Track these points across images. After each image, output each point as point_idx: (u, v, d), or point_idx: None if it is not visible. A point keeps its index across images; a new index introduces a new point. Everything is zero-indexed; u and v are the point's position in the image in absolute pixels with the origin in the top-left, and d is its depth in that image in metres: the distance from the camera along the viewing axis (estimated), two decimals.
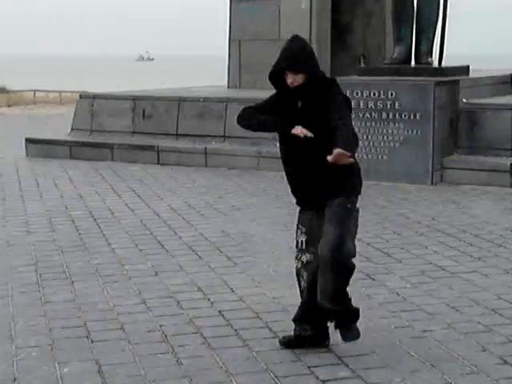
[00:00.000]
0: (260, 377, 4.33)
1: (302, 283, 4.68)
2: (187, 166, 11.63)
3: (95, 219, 8.26)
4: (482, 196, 9.37)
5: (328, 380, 4.28)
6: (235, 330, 5.02)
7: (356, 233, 4.58)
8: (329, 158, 4.17)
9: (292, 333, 4.71)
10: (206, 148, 11.82)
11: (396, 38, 11.53)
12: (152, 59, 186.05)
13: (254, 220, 8.17)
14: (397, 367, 4.43)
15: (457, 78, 10.92)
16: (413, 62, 11.53)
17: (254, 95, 12.47)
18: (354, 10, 15.50)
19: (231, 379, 4.29)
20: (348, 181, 4.49)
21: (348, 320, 4.56)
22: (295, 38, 4.55)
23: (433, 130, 10.00)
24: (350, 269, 4.50)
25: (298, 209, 4.73)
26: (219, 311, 5.39)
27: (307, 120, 4.40)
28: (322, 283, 4.46)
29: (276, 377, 4.32)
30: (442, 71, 11.06)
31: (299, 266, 4.65)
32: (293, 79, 4.45)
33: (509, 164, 9.91)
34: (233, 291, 5.83)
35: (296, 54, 4.46)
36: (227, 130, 12.05)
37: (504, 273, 6.29)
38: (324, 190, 4.47)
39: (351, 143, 4.31)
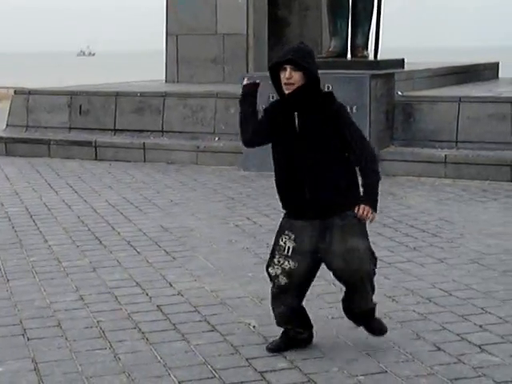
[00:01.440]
0: (199, 370, 4.33)
1: (275, 288, 4.48)
2: (125, 162, 11.57)
3: (31, 216, 8.17)
4: (417, 187, 9.51)
5: (266, 371, 4.30)
6: (173, 325, 5.01)
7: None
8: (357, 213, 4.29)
9: (277, 337, 4.59)
10: (144, 143, 11.76)
11: (332, 31, 11.63)
12: (93, 54, 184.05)
13: (193, 214, 8.17)
14: (334, 357, 4.48)
15: (392, 70, 11.05)
16: (349, 56, 11.65)
17: (191, 89, 12.49)
18: (290, 4, 15.56)
19: (169, 373, 4.29)
20: (353, 193, 4.38)
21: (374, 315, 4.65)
22: (301, 42, 4.44)
23: (369, 123, 10.10)
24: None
25: (285, 214, 4.46)
26: (157, 306, 5.38)
27: (307, 139, 4.26)
28: (361, 294, 4.51)
29: (214, 369, 4.33)
30: (377, 64, 11.19)
31: (278, 272, 4.41)
32: (290, 75, 4.23)
33: (444, 155, 10.07)
34: (171, 285, 5.83)
35: (300, 50, 4.27)
36: (165, 124, 12.02)
37: (439, 262, 6.39)
38: (329, 202, 4.32)
39: (377, 199, 4.39)
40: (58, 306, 5.37)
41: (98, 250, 6.86)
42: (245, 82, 4.55)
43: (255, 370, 4.33)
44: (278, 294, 4.49)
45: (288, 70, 4.24)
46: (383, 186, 9.37)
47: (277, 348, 4.53)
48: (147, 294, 5.63)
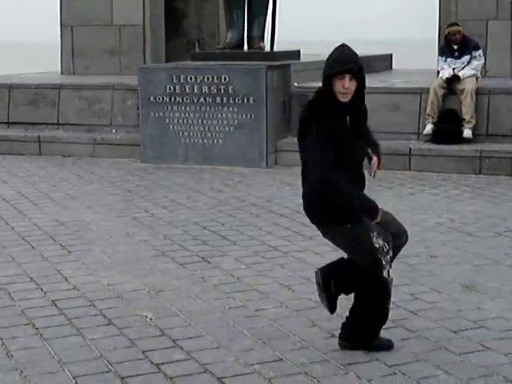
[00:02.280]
0: (94, 364, 4.29)
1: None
2: (20, 155, 11.31)
3: None
4: None
5: (162, 363, 4.30)
6: (69, 319, 4.95)
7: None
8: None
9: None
10: (39, 136, 11.53)
11: (228, 23, 11.66)
12: None
13: (90, 208, 8.06)
14: (230, 347, 4.51)
15: (288, 62, 11.15)
16: (245, 47, 11.70)
17: (87, 81, 12.30)
18: None
19: (64, 369, 4.24)
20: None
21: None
22: (346, 45, 4.37)
23: (266, 114, 10.18)
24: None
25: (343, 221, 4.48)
26: (52, 301, 5.29)
27: (356, 137, 4.39)
28: None
29: (110, 363, 4.30)
30: (273, 56, 11.26)
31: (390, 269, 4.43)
32: (348, 84, 4.20)
33: None
34: (67, 280, 5.75)
35: (356, 58, 4.26)
36: (61, 117, 11.81)
37: (334, 250, 6.42)
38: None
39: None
40: None
41: None
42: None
43: (151, 362, 4.32)
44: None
45: (347, 79, 4.20)
46: (281, 177, 9.56)
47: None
48: (42, 290, 5.54)
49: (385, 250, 4.35)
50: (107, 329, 4.79)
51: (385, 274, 4.36)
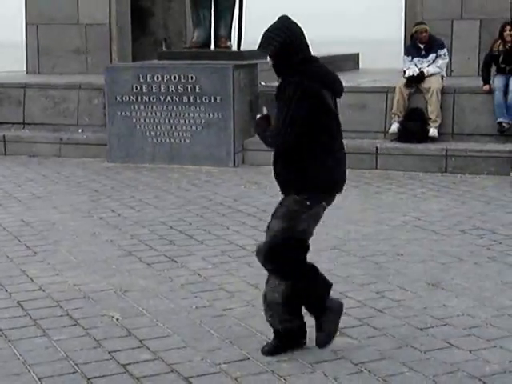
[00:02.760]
0: (60, 365, 4.27)
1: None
2: None
3: None
4: None
5: (129, 364, 4.28)
6: (34, 320, 4.91)
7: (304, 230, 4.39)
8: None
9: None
10: (4, 135, 11.42)
11: (195, 22, 11.63)
12: None
13: (56, 208, 8.01)
14: (197, 346, 4.50)
15: (255, 61, 11.14)
16: (212, 46, 11.68)
17: (53, 80, 12.22)
18: None
19: (29, 370, 4.21)
20: (301, 179, 4.35)
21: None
22: (279, 18, 4.38)
23: (233, 113, 10.17)
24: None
25: (315, 201, 4.43)
26: (17, 302, 5.25)
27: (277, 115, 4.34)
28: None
29: (76, 364, 4.27)
30: (240, 55, 11.25)
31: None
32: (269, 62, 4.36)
33: None
34: (32, 280, 5.70)
35: (267, 36, 4.29)
36: (26, 116, 11.72)
37: None
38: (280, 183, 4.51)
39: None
40: None
41: None
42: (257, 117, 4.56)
43: (118, 362, 4.30)
44: None
45: (268, 58, 4.32)
46: (248, 176, 9.56)
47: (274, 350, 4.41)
48: (6, 290, 5.49)
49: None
50: (73, 329, 4.76)
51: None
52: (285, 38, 4.23)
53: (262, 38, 4.30)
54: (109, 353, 4.41)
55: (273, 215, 4.46)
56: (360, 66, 16.05)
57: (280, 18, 4.35)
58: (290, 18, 4.36)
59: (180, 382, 4.08)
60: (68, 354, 4.40)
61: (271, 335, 4.62)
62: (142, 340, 4.59)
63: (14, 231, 7.08)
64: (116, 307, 5.12)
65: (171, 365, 4.25)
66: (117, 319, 4.92)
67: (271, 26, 4.31)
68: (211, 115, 10.21)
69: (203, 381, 4.10)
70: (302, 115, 4.18)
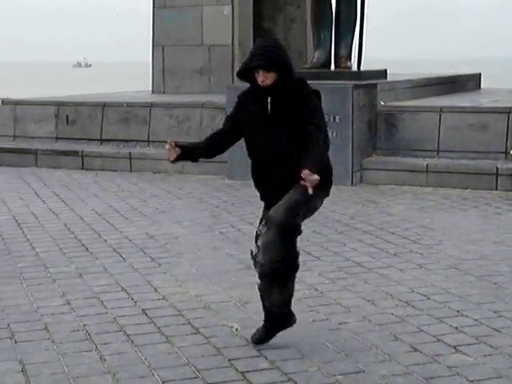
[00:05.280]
0: (182, 370, 4.46)
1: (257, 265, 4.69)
2: (112, 171, 11.69)
3: (19, 224, 8.28)
4: (399, 195, 9.68)
5: (247, 371, 4.44)
6: (158, 328, 5.14)
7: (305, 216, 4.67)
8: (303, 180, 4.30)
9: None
10: (130, 153, 11.89)
11: (316, 42, 11.81)
12: (90, 65, 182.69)
13: (178, 222, 8.30)
14: (313, 358, 4.61)
15: (375, 81, 11.23)
16: (332, 66, 11.82)
17: (177, 100, 12.63)
18: (275, 16, 15.76)
19: (153, 373, 4.42)
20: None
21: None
22: (266, 38, 4.58)
23: (352, 133, 10.27)
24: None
25: (263, 204, 4.76)
26: (143, 310, 5.50)
27: (276, 115, 4.47)
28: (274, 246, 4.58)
29: (197, 370, 4.46)
30: (360, 75, 11.35)
31: (256, 250, 4.70)
32: (264, 77, 4.42)
33: (425, 164, 10.24)
34: (156, 290, 5.95)
35: (267, 51, 4.41)
36: (151, 134, 12.15)
37: (418, 267, 6.55)
38: (287, 188, 4.52)
39: (319, 161, 4.41)
40: (45, 311, 5.49)
41: (84, 256, 6.98)
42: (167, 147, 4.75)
43: (237, 370, 4.46)
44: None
45: (261, 73, 4.42)
46: (366, 194, 9.63)
47: (259, 340, 4.71)
48: (132, 299, 5.76)
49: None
50: (195, 337, 4.96)
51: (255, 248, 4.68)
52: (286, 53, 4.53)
53: (269, 55, 4.39)
54: (228, 360, 4.58)
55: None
56: (482, 85, 15.89)
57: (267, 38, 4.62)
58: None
59: None
60: (189, 360, 4.60)
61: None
62: (259, 350, 4.73)
63: (139, 244, 7.39)
64: (235, 318, 5.30)
65: (288, 374, 4.38)
66: (236, 329, 5.09)
67: (263, 44, 4.47)
68: (330, 134, 10.26)
69: None
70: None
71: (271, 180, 4.58)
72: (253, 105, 4.55)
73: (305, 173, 4.26)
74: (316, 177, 4.28)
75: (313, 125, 4.44)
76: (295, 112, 4.44)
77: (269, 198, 4.64)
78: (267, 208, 4.65)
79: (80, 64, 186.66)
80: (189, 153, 4.81)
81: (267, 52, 4.39)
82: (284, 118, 4.46)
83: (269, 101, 4.48)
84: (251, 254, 4.74)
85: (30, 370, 4.47)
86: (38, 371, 4.46)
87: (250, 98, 4.59)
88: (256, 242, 4.71)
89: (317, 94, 4.60)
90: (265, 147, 4.52)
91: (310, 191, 4.31)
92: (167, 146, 4.71)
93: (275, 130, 4.49)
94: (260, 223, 4.72)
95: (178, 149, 4.71)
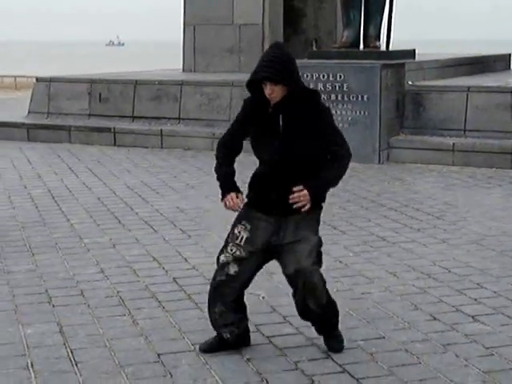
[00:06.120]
0: (211, 335, 4.67)
1: (222, 276, 4.39)
2: (143, 148, 11.94)
3: (54, 197, 8.55)
4: (425, 174, 9.83)
5: (273, 336, 4.65)
6: (188, 295, 5.37)
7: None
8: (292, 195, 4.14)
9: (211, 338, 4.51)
10: (161, 130, 12.12)
11: (345, 22, 11.94)
12: (123, 44, 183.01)
13: (208, 197, 8.52)
14: None
15: (403, 61, 11.34)
16: (361, 46, 11.96)
17: (208, 78, 12.84)
18: None
19: (184, 337, 4.65)
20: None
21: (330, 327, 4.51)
22: (275, 46, 4.22)
23: (379, 111, 10.41)
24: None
25: (245, 204, 4.43)
26: (173, 278, 5.74)
27: (291, 137, 4.15)
28: (311, 291, 4.39)
29: None
30: (388, 54, 11.48)
31: (230, 259, 4.35)
32: (271, 90, 4.09)
33: (452, 143, 10.37)
34: (186, 261, 6.19)
35: (276, 62, 4.07)
36: (182, 112, 12.37)
37: (441, 242, 6.72)
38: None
39: (324, 186, 4.30)
40: (81, 278, 5.74)
41: (117, 228, 7.23)
42: (228, 202, 4.47)
43: (263, 334, 4.68)
44: (218, 288, 4.37)
45: (268, 86, 4.09)
46: (392, 172, 9.79)
47: (209, 348, 4.44)
48: (163, 268, 5.99)
49: (237, 241, 4.36)
50: None
51: (222, 257, 4.43)
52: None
53: (277, 67, 4.06)
54: (255, 326, 4.80)
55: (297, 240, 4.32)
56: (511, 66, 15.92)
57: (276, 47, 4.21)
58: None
59: (320, 355, 4.41)
60: None
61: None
62: (285, 316, 4.95)
63: (170, 217, 7.62)
64: (262, 287, 5.49)
65: (312, 339, 4.59)
66: (263, 297, 5.31)
67: (271, 55, 4.13)
68: (358, 113, 10.49)
69: (341, 355, 4.41)
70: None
71: (281, 188, 4.20)
72: (262, 118, 4.21)
73: (298, 189, 4.15)
74: (306, 200, 4.16)
75: (337, 145, 4.20)
76: (310, 128, 4.15)
77: (270, 203, 4.27)
78: (259, 210, 4.31)
79: (113, 43, 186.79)
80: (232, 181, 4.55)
81: (275, 63, 4.06)
82: (298, 134, 4.14)
83: (280, 118, 4.15)
84: (217, 260, 4.48)
85: (68, 332, 4.72)
86: (74, 333, 4.71)
87: (259, 108, 4.22)
88: (229, 244, 4.41)
89: (328, 110, 4.30)
90: (278, 158, 4.19)
91: (295, 206, 4.17)
92: (230, 203, 4.43)
93: (288, 145, 4.16)
94: (240, 225, 4.37)
95: (239, 194, 4.44)
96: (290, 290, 5.37)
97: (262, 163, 4.35)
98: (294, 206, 4.18)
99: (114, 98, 12.84)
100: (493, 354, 4.39)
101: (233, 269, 4.35)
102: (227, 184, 4.51)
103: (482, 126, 10.52)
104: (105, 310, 5.07)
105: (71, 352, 4.43)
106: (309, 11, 15.90)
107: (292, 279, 4.36)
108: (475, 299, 5.26)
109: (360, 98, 10.43)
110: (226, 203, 4.46)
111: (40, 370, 4.21)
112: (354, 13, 11.85)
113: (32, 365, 4.28)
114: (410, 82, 11.13)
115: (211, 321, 4.47)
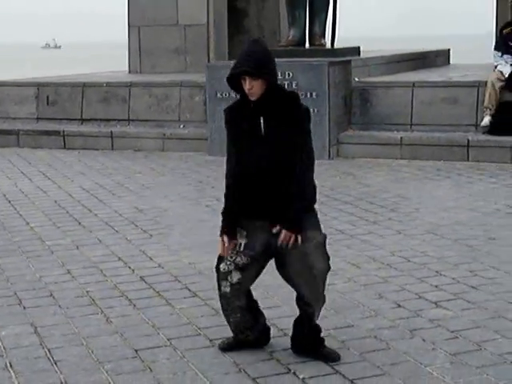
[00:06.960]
0: (184, 329, 4.80)
1: (227, 287, 4.34)
2: (94, 150, 11.94)
3: (10, 201, 8.54)
4: (375, 168, 10.05)
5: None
6: (157, 292, 5.47)
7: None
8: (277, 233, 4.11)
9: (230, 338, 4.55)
10: (111, 131, 12.14)
11: (290, 21, 12.12)
12: (59, 47, 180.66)
13: (165, 197, 8.60)
14: None
15: (349, 58, 11.57)
16: (307, 44, 12.15)
17: (156, 79, 12.89)
18: None
19: (158, 332, 4.75)
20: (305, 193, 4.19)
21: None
22: (254, 41, 4.20)
23: (328, 108, 10.60)
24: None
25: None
26: (141, 277, 5.82)
27: (271, 143, 4.11)
28: (314, 293, 4.41)
29: (199, 328, 4.79)
30: (334, 52, 11.70)
31: (231, 268, 4.28)
32: (250, 85, 4.05)
33: (399, 137, 10.62)
34: (151, 259, 6.28)
35: (255, 58, 4.05)
36: (131, 113, 12.40)
37: (397, 233, 6.93)
38: (280, 204, 4.15)
39: (301, 211, 4.14)
40: (48, 280, 5.79)
41: (78, 230, 7.28)
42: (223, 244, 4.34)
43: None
44: (231, 298, 4.35)
45: (247, 80, 4.07)
46: (343, 167, 10.00)
47: (229, 347, 4.49)
48: (130, 267, 6.07)
49: (236, 248, 4.30)
50: (193, 300, 5.30)
51: (223, 267, 4.35)
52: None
53: (256, 61, 4.05)
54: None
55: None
56: (451, 61, 16.29)
57: (255, 43, 4.20)
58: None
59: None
60: (190, 319, 4.93)
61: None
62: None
63: (130, 217, 7.69)
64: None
65: (284, 330, 4.73)
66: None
67: (249, 50, 4.11)
68: None
69: None
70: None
71: (262, 192, 4.17)
72: (244, 122, 4.19)
73: (285, 238, 4.12)
74: (291, 237, 4.11)
75: (303, 152, 4.15)
76: (290, 132, 4.12)
77: (259, 208, 4.20)
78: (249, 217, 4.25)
79: (49, 45, 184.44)
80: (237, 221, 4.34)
81: (254, 58, 4.05)
82: (278, 138, 4.12)
83: (261, 121, 4.13)
84: (217, 270, 4.42)
85: (42, 332, 4.78)
86: (49, 333, 4.77)
87: (239, 114, 4.21)
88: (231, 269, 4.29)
89: (308, 112, 4.25)
90: (257, 163, 4.15)
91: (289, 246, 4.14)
92: (222, 249, 4.34)
93: (268, 148, 4.13)
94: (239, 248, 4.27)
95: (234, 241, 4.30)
96: (257, 284, 5.52)
97: (243, 168, 4.24)
98: (289, 247, 4.14)
99: (62, 101, 12.80)
100: (457, 337, 4.59)
101: (236, 277, 4.29)
102: (232, 226, 4.32)
103: (428, 120, 10.80)
104: (77, 310, 5.14)
105: (49, 351, 4.50)
106: (252, 11, 16.04)
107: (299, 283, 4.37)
108: (436, 286, 5.47)
109: (309, 96, 10.59)
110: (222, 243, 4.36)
111: (20, 370, 4.27)
112: (300, 11, 12.04)
113: (11, 365, 4.33)
114: (356, 79, 11.35)
115: (232, 329, 4.49)
